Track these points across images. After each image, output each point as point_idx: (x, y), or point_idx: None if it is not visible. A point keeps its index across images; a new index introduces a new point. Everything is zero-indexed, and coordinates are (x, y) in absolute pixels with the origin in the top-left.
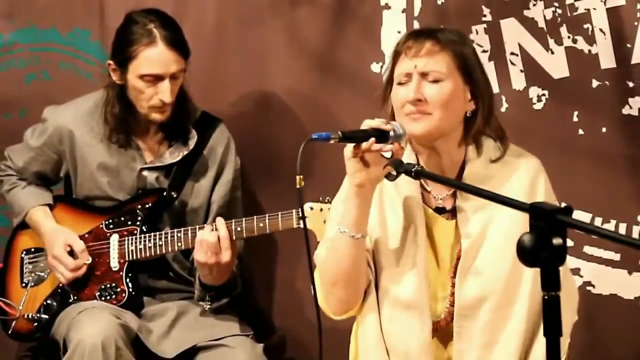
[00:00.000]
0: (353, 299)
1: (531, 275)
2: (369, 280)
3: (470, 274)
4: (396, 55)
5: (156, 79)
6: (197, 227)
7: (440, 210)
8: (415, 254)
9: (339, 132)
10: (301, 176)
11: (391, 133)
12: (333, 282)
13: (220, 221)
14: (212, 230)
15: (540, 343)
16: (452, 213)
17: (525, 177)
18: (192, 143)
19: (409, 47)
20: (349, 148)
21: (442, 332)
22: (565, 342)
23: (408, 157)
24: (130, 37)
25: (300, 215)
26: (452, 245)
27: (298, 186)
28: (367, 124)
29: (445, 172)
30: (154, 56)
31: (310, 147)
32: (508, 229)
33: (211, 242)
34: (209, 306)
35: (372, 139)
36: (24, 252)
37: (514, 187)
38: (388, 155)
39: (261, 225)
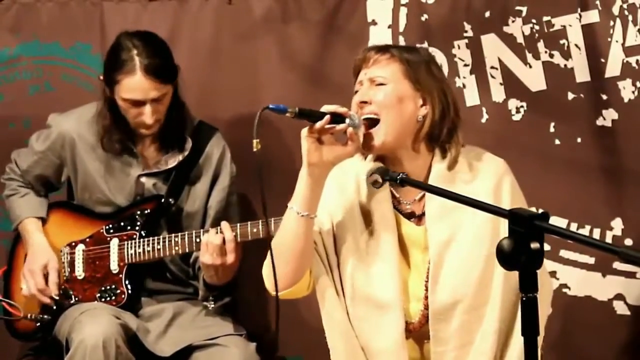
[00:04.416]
0: (293, 277)
1: (502, 276)
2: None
3: (442, 279)
4: (355, 69)
5: (137, 102)
6: (194, 232)
7: (409, 216)
8: (388, 255)
9: (296, 108)
10: (258, 140)
11: (347, 120)
12: (276, 256)
13: (225, 225)
14: (217, 233)
15: (515, 341)
16: (421, 218)
17: (490, 178)
18: (187, 150)
19: (361, 59)
20: (306, 128)
21: (417, 333)
22: (540, 335)
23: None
24: (115, 63)
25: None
26: (422, 250)
27: (255, 149)
28: (325, 108)
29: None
30: (132, 85)
31: (280, 164)
32: (476, 232)
33: (216, 245)
34: (212, 305)
35: (327, 117)
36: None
37: (479, 188)
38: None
39: (255, 230)
